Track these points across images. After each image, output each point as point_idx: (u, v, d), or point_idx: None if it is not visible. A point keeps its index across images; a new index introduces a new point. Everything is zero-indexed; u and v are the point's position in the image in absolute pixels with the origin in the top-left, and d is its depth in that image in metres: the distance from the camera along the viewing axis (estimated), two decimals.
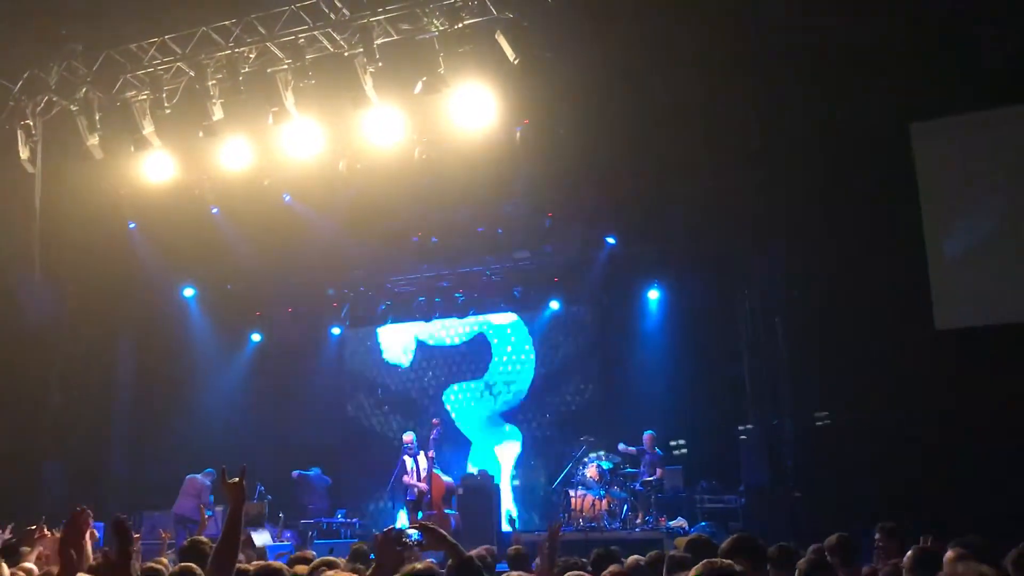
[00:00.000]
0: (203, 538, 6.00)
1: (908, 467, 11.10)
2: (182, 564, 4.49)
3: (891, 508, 9.79)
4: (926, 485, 10.79)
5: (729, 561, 3.45)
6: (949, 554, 4.83)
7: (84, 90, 11.51)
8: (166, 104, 11.48)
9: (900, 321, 11.72)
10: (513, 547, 7.07)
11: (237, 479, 3.92)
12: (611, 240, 14.52)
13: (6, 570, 6.47)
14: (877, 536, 6.44)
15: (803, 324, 12.91)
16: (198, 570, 4.29)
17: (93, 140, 11.57)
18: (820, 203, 12.37)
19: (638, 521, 12.72)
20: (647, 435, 13.39)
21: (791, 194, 12.50)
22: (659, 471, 13.13)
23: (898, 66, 10.86)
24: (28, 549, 7.72)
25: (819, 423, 12.80)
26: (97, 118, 11.56)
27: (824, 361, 12.45)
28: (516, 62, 10.25)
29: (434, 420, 14.29)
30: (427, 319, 16.68)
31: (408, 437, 13.71)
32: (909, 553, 5.06)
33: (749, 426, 13.02)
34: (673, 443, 14.39)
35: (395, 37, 10.63)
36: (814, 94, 11.52)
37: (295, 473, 15.40)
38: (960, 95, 11.33)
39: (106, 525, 13.78)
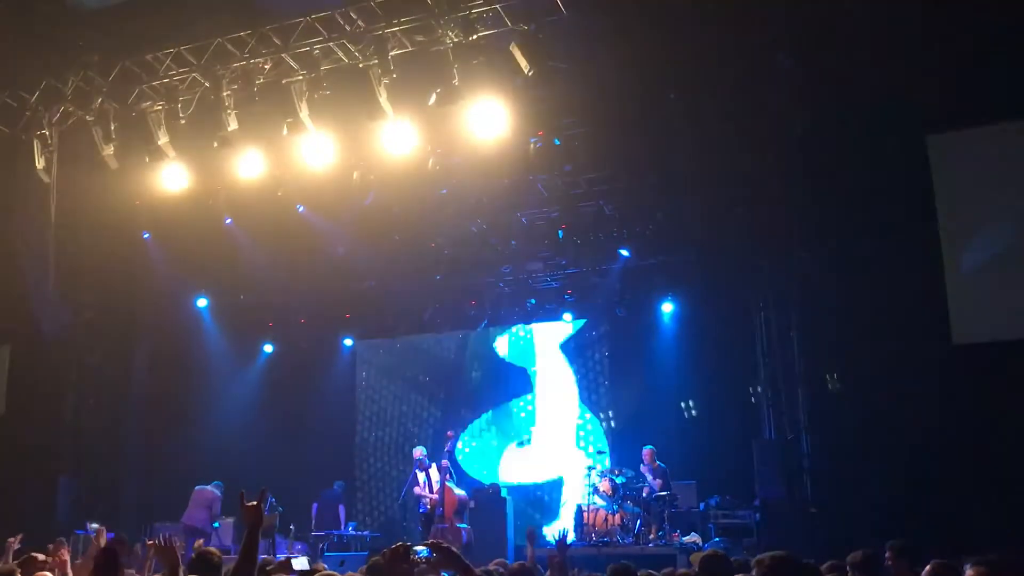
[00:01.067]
0: (212, 549, 5.96)
1: (926, 482, 10.97)
2: None
3: (909, 524, 9.70)
4: (945, 500, 10.66)
5: None
6: (969, 572, 4.73)
7: (100, 100, 11.54)
8: (181, 115, 11.50)
9: (917, 335, 11.60)
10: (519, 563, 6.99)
11: (255, 502, 3.89)
12: (625, 252, 14.43)
13: None
14: (888, 555, 6.34)
15: (819, 338, 12.80)
16: None
17: (108, 150, 11.60)
18: (836, 216, 12.29)
19: (651, 536, 12.60)
20: (646, 450, 13.27)
21: (807, 207, 12.41)
22: (658, 482, 12.98)
23: (915, 77, 10.78)
24: (47, 559, 7.71)
25: (835, 437, 12.64)
26: (112, 128, 11.58)
27: (840, 375, 12.33)
28: (530, 74, 10.22)
29: (448, 432, 14.24)
30: (439, 331, 16.68)
31: (418, 452, 13.65)
32: (927, 569, 4.96)
33: (764, 440, 12.91)
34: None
35: (410, 49, 10.62)
36: (830, 106, 11.44)
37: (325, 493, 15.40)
38: (977, 107, 11.24)
39: (116, 535, 13.83)
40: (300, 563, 10.75)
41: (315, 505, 15.16)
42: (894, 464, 11.38)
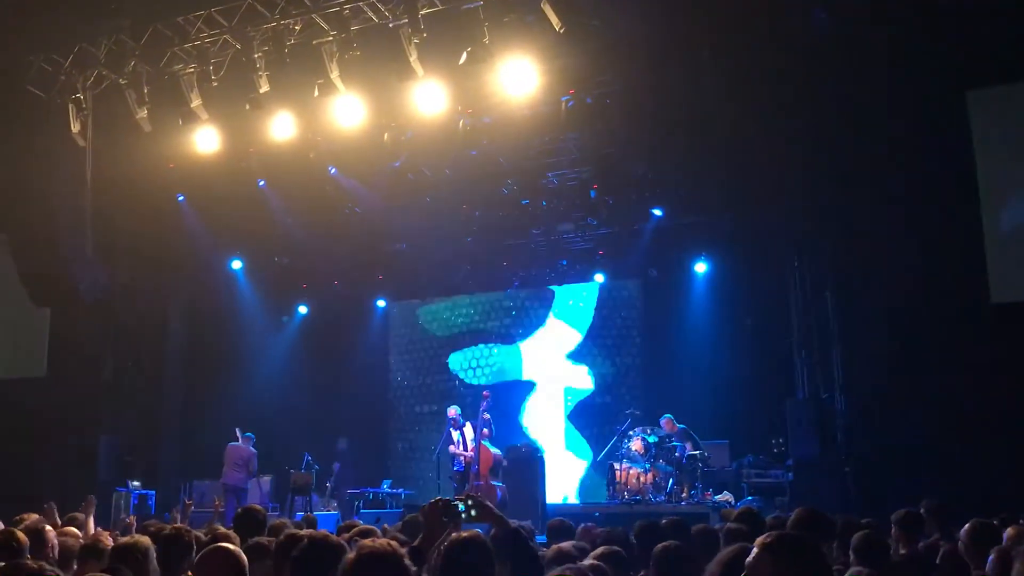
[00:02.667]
0: (256, 506, 6.10)
1: (960, 442, 10.91)
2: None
3: (944, 483, 9.66)
4: (980, 460, 10.60)
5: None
6: (1010, 531, 4.73)
7: (132, 64, 11.59)
8: (213, 77, 11.52)
9: (954, 294, 11.47)
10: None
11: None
12: (658, 212, 14.33)
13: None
14: (922, 513, 6.30)
15: (853, 297, 12.69)
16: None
17: (142, 114, 11.67)
18: (873, 173, 12.11)
19: (684, 495, 12.65)
20: (664, 419, 13.24)
21: (843, 164, 12.24)
22: (688, 444, 12.98)
23: (954, 32, 10.54)
24: (82, 516, 7.90)
25: (869, 397, 12.57)
26: (145, 92, 11.64)
27: (876, 334, 12.23)
28: (562, 31, 10.11)
29: (484, 392, 14.32)
30: (471, 292, 16.73)
31: (452, 411, 13.75)
32: (966, 527, 4.96)
33: (798, 399, 12.88)
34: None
35: (440, 7, 10.53)
36: (868, 61, 11.22)
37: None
38: (1018, 62, 10.98)
39: (157, 493, 14.15)
40: None
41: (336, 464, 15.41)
42: (929, 424, 11.31)
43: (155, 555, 4.30)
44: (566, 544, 4.92)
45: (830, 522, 4.92)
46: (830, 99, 11.82)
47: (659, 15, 10.61)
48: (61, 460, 14.04)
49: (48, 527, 5.44)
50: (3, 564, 3.46)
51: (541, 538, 7.23)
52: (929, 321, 11.56)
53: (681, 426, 13.15)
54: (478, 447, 13.11)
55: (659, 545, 4.51)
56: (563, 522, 6.73)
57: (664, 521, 5.81)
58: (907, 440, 11.46)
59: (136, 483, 14.03)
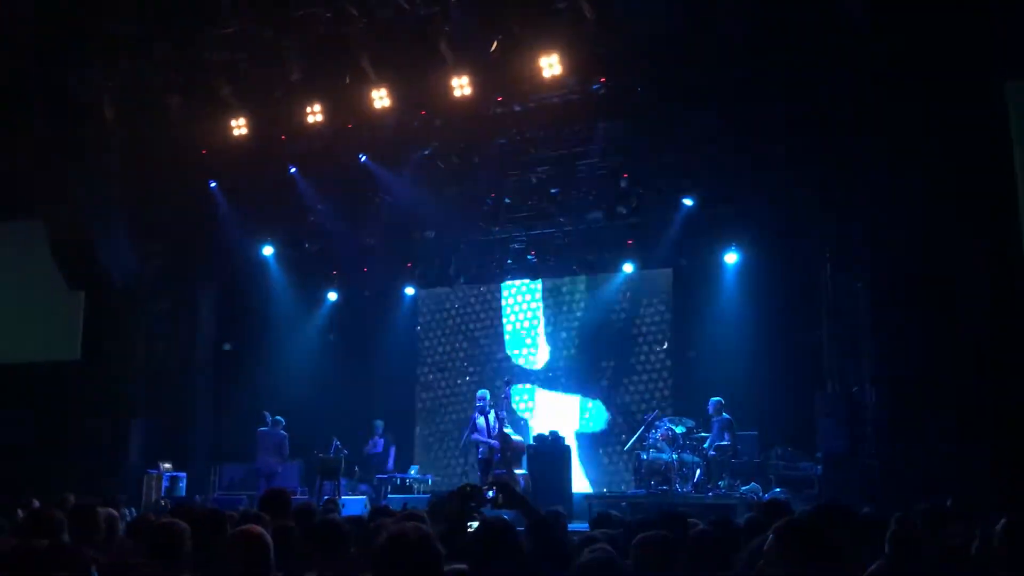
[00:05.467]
0: (282, 488, 6.16)
1: (994, 435, 10.75)
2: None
3: (976, 479, 9.55)
4: (1013, 454, 10.45)
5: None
6: None
7: (165, 51, 11.68)
8: (245, 65, 11.61)
9: (990, 289, 11.29)
10: None
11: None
12: (688, 201, 14.23)
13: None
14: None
15: (886, 289, 12.53)
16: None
17: (175, 100, 11.78)
18: (907, 164, 11.94)
19: (710, 486, 12.61)
20: (714, 401, 13.18)
21: (874, 154, 12.08)
22: (725, 434, 12.92)
23: (994, 21, 10.35)
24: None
25: (901, 390, 12.42)
26: (178, 78, 11.75)
27: (908, 327, 12.07)
28: (593, 19, 10.08)
29: (507, 379, 14.32)
30: (499, 281, 16.75)
31: (480, 396, 13.83)
32: (1002, 522, 4.89)
33: (827, 392, 12.78)
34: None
35: None
36: (903, 51, 11.06)
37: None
38: None
39: (189, 475, 14.33)
40: None
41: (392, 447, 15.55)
42: (962, 418, 11.15)
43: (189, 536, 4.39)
44: (597, 531, 4.92)
45: (847, 513, 4.88)
46: (864, 88, 11.67)
47: (691, 1, 10.55)
48: (94, 442, 14.24)
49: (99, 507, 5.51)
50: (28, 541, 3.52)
51: (573, 526, 7.23)
52: (963, 316, 11.38)
53: (726, 416, 13.08)
54: (500, 434, 13.15)
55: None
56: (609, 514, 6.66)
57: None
58: (939, 435, 11.31)
59: (167, 465, 14.22)
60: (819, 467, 12.25)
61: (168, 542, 4.31)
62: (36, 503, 8.18)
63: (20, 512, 7.90)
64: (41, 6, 11.25)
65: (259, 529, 3.93)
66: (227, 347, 16.12)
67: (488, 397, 13.69)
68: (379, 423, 15.74)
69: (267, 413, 14.14)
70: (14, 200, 14.06)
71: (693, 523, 5.08)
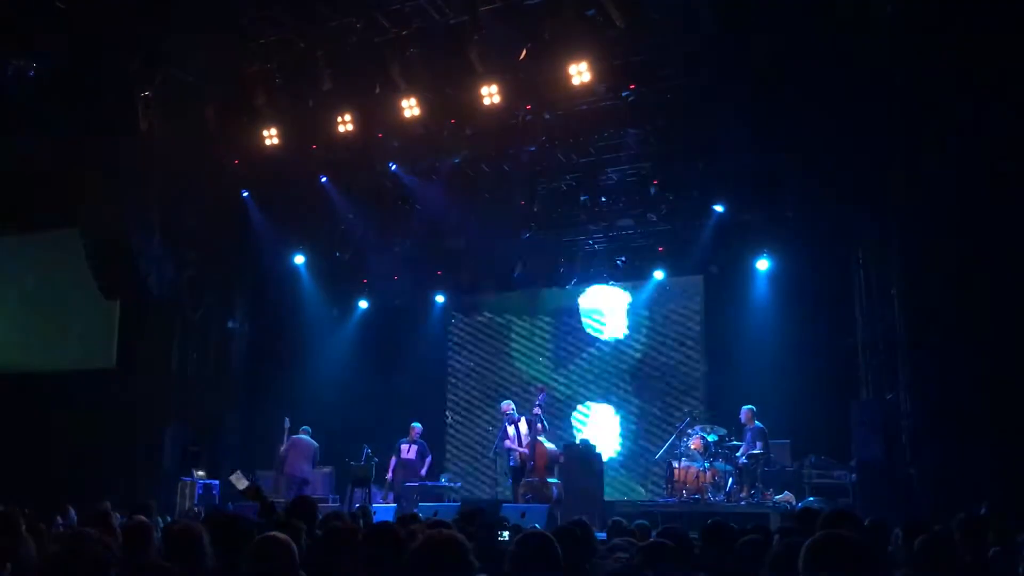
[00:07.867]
0: (309, 496, 6.19)
1: None
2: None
3: (1013, 486, 9.39)
4: None
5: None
6: None
7: (199, 62, 11.83)
8: (277, 75, 11.72)
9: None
10: None
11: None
12: (719, 208, 14.14)
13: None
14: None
15: (920, 296, 12.37)
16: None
17: (208, 111, 11.92)
18: (940, 170, 11.78)
19: (743, 495, 12.51)
20: (746, 409, 13.06)
21: (907, 157, 11.95)
22: (758, 443, 12.79)
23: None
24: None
25: (936, 398, 12.25)
26: (212, 89, 11.89)
27: (943, 334, 11.90)
28: (622, 26, 10.07)
29: (540, 386, 14.27)
30: (528, 288, 16.73)
31: (507, 406, 13.80)
32: None
33: (862, 400, 12.63)
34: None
35: (500, 4, 10.57)
36: (933, 54, 10.93)
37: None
38: None
39: (221, 483, 14.44)
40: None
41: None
42: (999, 426, 10.98)
43: (208, 540, 4.42)
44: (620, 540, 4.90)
45: (855, 521, 4.84)
46: (895, 93, 11.55)
47: (721, 8, 10.50)
48: (128, 450, 14.40)
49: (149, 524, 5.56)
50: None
51: (601, 535, 7.20)
52: (998, 324, 11.21)
53: (759, 424, 12.96)
54: (533, 443, 13.11)
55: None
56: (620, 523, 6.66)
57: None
58: (976, 443, 11.14)
59: (201, 473, 14.34)
60: (853, 475, 12.10)
61: (185, 545, 4.35)
62: (72, 511, 8.29)
63: (59, 519, 8.02)
64: (78, 16, 11.40)
65: (284, 536, 3.96)
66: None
67: (515, 407, 13.67)
68: (418, 425, 15.45)
69: (293, 422, 14.27)
70: (51, 210, 14.27)
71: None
